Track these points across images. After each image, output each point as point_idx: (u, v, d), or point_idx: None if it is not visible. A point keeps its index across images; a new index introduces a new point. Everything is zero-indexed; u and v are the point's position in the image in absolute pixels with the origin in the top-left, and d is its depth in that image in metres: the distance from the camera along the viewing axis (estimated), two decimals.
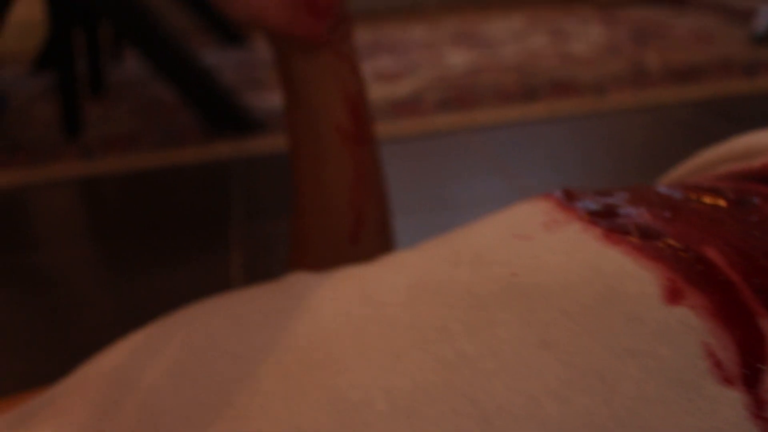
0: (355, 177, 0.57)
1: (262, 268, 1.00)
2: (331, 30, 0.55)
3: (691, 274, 0.32)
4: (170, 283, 0.99)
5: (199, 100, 1.50)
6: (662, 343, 0.30)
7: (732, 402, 0.29)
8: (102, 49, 1.90)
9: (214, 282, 0.97)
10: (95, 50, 1.89)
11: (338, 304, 0.37)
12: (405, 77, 1.83)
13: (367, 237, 0.59)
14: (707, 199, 0.39)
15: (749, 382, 0.29)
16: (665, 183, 0.50)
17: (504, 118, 1.51)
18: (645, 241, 0.35)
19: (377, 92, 1.72)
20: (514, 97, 1.61)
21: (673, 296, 0.31)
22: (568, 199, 0.41)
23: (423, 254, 0.40)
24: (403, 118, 1.54)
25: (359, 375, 0.31)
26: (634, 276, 0.33)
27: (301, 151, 0.58)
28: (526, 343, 0.31)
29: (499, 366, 0.30)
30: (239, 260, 1.02)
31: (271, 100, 1.73)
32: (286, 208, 1.20)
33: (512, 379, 0.30)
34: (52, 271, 1.09)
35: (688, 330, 0.30)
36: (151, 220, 1.22)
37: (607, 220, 0.38)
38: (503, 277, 0.35)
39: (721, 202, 0.39)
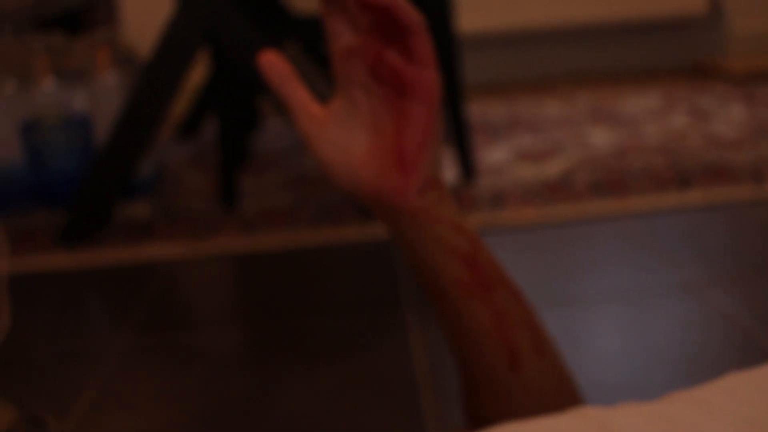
0: (494, 318, 0.58)
1: (446, 360, 1.00)
2: (421, 192, 0.55)
3: None
4: (347, 368, 1.00)
5: None
6: None
7: None
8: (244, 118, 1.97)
9: (397, 371, 0.98)
10: (245, 120, 1.96)
11: None
12: (551, 157, 1.84)
13: (526, 361, 0.59)
14: None
15: None
16: None
17: (659, 205, 1.50)
18: None
19: (525, 172, 1.73)
20: (666, 181, 1.60)
21: None
22: None
23: (733, 400, 0.40)
24: (557, 202, 1.54)
25: None
26: None
27: (434, 306, 0.59)
28: None
29: None
30: (421, 348, 1.03)
31: None
32: None
33: None
34: (212, 352, 1.12)
35: None
36: (314, 300, 1.25)
37: None
38: None
39: None
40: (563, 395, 0.60)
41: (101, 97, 1.71)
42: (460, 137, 1.68)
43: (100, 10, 2.45)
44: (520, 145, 1.96)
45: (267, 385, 0.99)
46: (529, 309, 0.60)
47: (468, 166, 1.69)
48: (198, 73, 2.65)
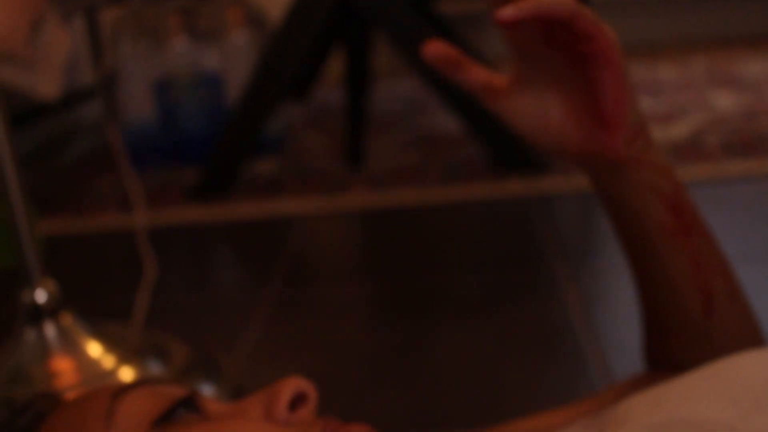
0: (692, 263, 0.58)
1: (605, 313, 1.01)
2: (628, 142, 0.55)
3: None
4: (500, 321, 1.01)
5: (487, 134, 1.53)
6: None
7: None
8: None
9: (554, 322, 0.99)
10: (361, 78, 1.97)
11: None
12: (676, 119, 1.81)
13: (720, 307, 0.59)
14: None
15: None
16: None
17: None
18: None
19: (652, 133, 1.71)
20: None
21: None
22: None
23: None
24: (687, 162, 1.52)
25: None
26: None
27: (632, 254, 0.60)
28: None
29: None
30: (576, 301, 1.04)
31: None
32: (600, 249, 1.21)
33: None
34: (358, 306, 1.14)
35: None
36: (453, 256, 1.27)
37: None
38: None
39: None
40: (753, 339, 0.60)
41: (231, 56, 1.74)
42: None
43: None
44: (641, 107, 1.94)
45: (418, 337, 1.01)
46: (723, 255, 0.60)
47: None
48: None
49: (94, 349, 0.89)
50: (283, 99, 1.60)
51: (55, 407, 0.49)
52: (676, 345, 0.61)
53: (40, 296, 0.88)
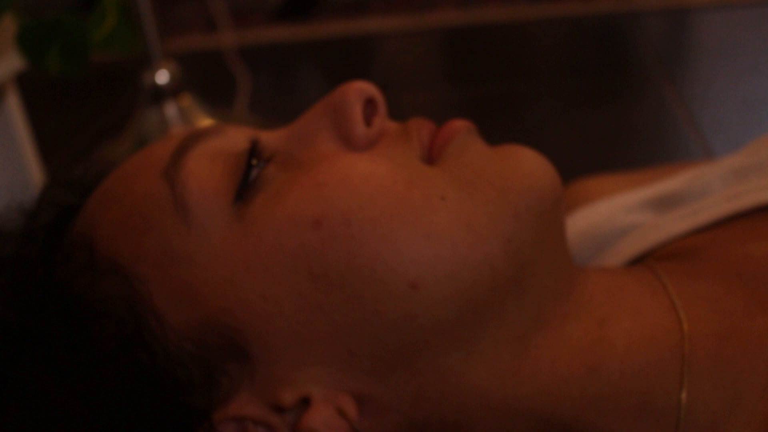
0: None
1: (700, 104, 1.02)
2: None
3: None
4: (604, 115, 1.03)
5: None
6: None
7: None
8: None
9: (656, 115, 1.01)
10: None
11: None
12: None
13: None
14: None
15: None
16: None
17: None
18: None
19: None
20: None
21: None
22: None
23: None
24: None
25: None
26: None
27: None
28: None
29: None
30: (677, 100, 1.04)
31: None
32: (694, 57, 1.21)
33: None
34: (457, 106, 1.16)
35: None
36: (548, 64, 1.27)
37: None
38: None
39: None
40: None
41: None
42: None
43: None
44: None
45: (522, 131, 1.02)
46: None
47: None
48: None
49: None
50: None
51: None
52: None
53: (162, 77, 0.92)
